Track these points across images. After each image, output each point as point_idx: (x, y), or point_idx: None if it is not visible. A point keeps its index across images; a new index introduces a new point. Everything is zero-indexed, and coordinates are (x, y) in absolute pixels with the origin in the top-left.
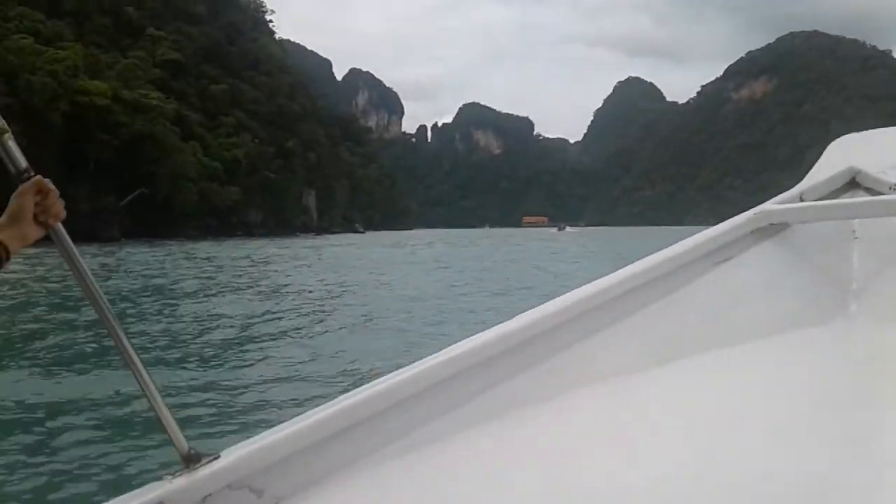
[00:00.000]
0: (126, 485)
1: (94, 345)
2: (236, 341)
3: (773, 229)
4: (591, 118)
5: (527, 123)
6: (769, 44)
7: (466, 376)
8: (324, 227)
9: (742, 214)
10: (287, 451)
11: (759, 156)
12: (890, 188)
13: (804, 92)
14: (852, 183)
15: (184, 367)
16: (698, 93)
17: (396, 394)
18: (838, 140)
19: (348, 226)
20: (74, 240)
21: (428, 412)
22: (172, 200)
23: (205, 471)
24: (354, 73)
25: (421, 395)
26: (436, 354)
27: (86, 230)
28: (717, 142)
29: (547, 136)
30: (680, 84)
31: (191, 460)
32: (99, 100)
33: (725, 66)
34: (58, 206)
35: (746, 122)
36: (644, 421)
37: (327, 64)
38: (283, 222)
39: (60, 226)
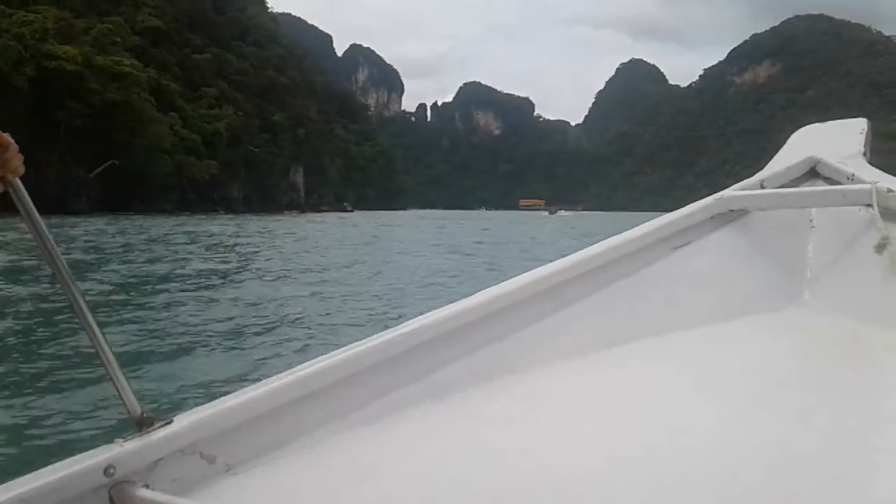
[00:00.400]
0: (76, 448)
1: (48, 305)
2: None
3: (733, 215)
4: (593, 100)
5: (527, 104)
6: (773, 27)
7: (425, 350)
8: (312, 204)
9: (703, 200)
10: (240, 419)
11: (760, 142)
12: (847, 178)
13: (808, 77)
14: (812, 172)
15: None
16: (700, 76)
17: (353, 366)
18: (801, 130)
19: (337, 204)
20: (40, 210)
21: (384, 385)
22: (146, 173)
23: (157, 435)
24: (355, 49)
25: (377, 367)
26: (394, 328)
27: (53, 201)
28: (719, 127)
29: (548, 117)
30: (684, 67)
31: (143, 424)
32: (69, 65)
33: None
34: (16, 161)
35: (749, 106)
36: (602, 398)
37: (328, 39)
38: (267, 198)
39: (19, 182)
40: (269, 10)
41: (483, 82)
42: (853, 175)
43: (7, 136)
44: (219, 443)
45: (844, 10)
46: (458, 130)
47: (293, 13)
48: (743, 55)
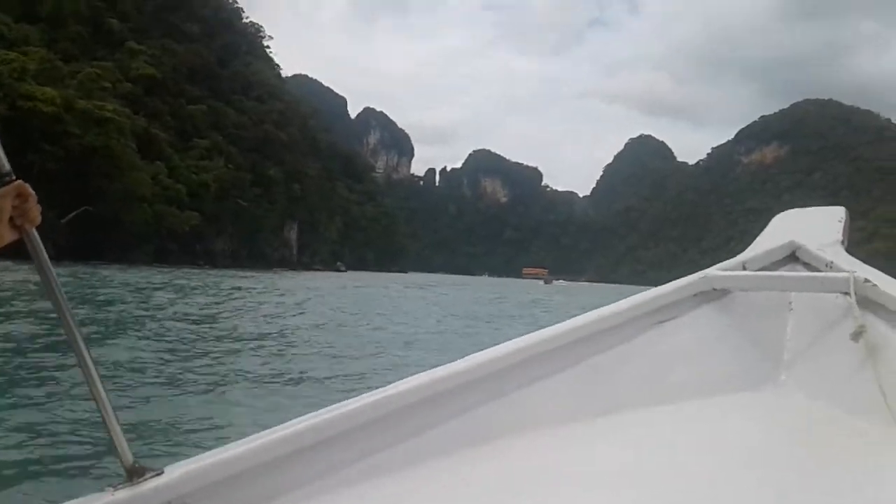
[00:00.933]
0: (67, 496)
1: (51, 354)
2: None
3: (715, 294)
4: (601, 173)
5: (535, 174)
6: (782, 109)
7: (408, 413)
8: (304, 262)
9: (687, 277)
10: (228, 473)
11: (765, 221)
12: (826, 265)
13: (815, 160)
14: (792, 256)
15: None
16: (709, 154)
17: (339, 425)
18: (782, 214)
19: (331, 263)
20: (5, 255)
21: (368, 446)
22: (122, 221)
23: (147, 485)
24: (368, 112)
25: (366, 427)
26: (383, 388)
27: (20, 246)
28: (725, 205)
29: (556, 188)
30: (692, 145)
31: (134, 474)
32: (45, 107)
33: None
34: (34, 212)
35: (756, 186)
36: (579, 469)
37: (342, 101)
38: (256, 254)
39: (35, 231)
40: (276, 68)
41: (493, 150)
42: (832, 263)
43: (28, 187)
44: (209, 495)
45: (854, 96)
46: (465, 196)
47: (309, 74)
48: (751, 135)
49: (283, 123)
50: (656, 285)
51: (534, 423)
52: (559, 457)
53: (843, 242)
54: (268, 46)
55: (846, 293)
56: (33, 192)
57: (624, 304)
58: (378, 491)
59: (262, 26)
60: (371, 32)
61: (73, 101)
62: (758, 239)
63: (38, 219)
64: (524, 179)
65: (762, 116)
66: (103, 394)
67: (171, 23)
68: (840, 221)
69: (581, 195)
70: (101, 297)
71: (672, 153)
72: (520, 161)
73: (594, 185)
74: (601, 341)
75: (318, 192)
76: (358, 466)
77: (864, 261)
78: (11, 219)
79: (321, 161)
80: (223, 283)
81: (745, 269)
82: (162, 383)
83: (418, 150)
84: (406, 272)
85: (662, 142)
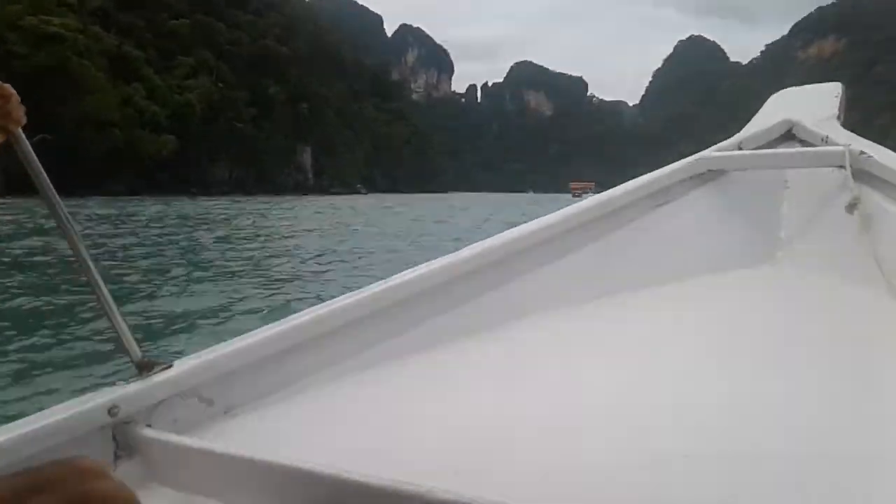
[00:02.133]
0: (80, 390)
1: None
2: None
3: (711, 175)
4: (650, 79)
5: (581, 84)
6: (838, 0)
7: (417, 301)
8: (322, 186)
9: (683, 160)
10: (237, 365)
11: None
12: (822, 140)
13: (877, 51)
14: (788, 134)
15: None
16: (762, 52)
17: (348, 315)
18: (778, 93)
19: (351, 186)
20: None
21: (379, 334)
22: (87, 149)
23: (157, 378)
24: (404, 30)
25: (373, 317)
26: (388, 279)
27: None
28: None
29: (604, 98)
30: (746, 43)
31: (143, 368)
32: None
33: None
34: (18, 112)
35: (814, 82)
36: (590, 346)
37: (377, 19)
38: (265, 180)
39: (20, 131)
40: None
41: (536, 62)
42: (827, 137)
43: (8, 87)
44: (217, 386)
45: None
46: (508, 111)
47: None
48: (807, 29)
49: (287, 38)
50: None
51: (544, 306)
52: (570, 336)
53: (839, 117)
54: None
55: (841, 166)
56: (14, 92)
57: (625, 187)
58: (391, 374)
59: None
60: None
61: (20, 16)
62: (754, 118)
63: (23, 118)
64: (569, 90)
65: (818, 8)
66: (106, 293)
67: None
68: (836, 97)
69: (631, 104)
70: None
71: (724, 53)
72: (564, 72)
73: (643, 93)
74: (604, 225)
75: (335, 111)
76: (367, 354)
77: None
78: None
79: (346, 80)
80: (187, 210)
81: (741, 148)
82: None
83: (462, 67)
84: (445, 192)
85: (714, 42)
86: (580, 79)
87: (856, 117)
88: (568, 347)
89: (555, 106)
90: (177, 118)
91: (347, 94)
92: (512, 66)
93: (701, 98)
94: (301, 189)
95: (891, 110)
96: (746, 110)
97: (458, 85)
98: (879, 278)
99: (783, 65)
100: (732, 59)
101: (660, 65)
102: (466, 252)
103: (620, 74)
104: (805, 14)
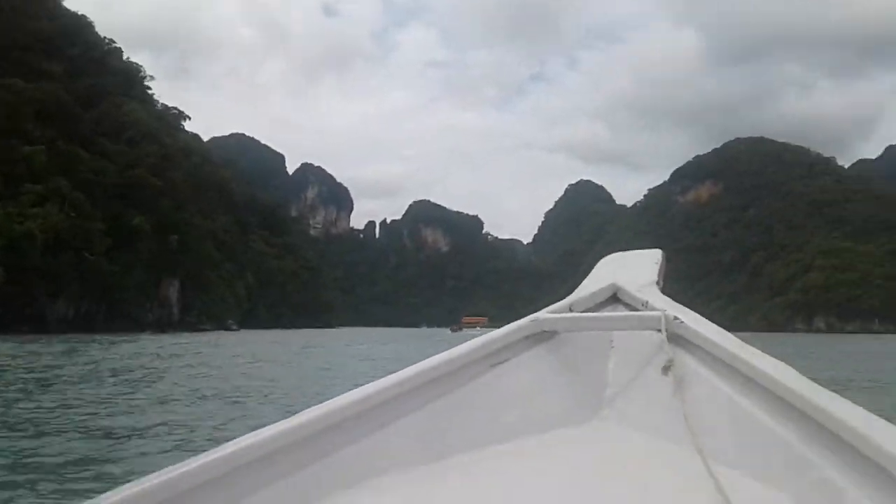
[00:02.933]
0: None
1: None
2: None
3: (545, 336)
4: (542, 219)
5: (476, 222)
6: (715, 149)
7: (244, 471)
8: (189, 322)
9: (519, 321)
10: None
11: (703, 260)
12: (642, 304)
13: (749, 196)
14: (614, 297)
15: None
16: (645, 195)
17: (173, 488)
18: (606, 258)
19: (222, 322)
20: None
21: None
22: None
23: None
24: (305, 168)
25: (200, 488)
26: (215, 449)
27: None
28: (663, 244)
29: (498, 236)
30: (631, 188)
31: None
32: None
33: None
34: None
35: (692, 225)
36: None
37: (280, 158)
38: (120, 315)
39: None
40: (158, 105)
41: (434, 201)
42: (647, 302)
43: None
44: None
45: (783, 136)
46: (406, 247)
47: (247, 133)
48: (686, 175)
49: (164, 169)
50: None
51: (375, 473)
52: (402, 500)
53: (658, 283)
54: (149, 87)
55: (658, 330)
56: None
57: (463, 348)
58: None
59: (141, 66)
60: (315, 91)
61: None
62: (584, 282)
63: None
64: (466, 228)
65: (696, 156)
66: None
67: (27, 61)
68: (656, 264)
69: (525, 242)
70: None
71: (611, 196)
72: (461, 210)
73: (535, 232)
74: (440, 387)
75: (217, 244)
76: None
77: (738, 294)
78: None
79: (235, 213)
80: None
81: (571, 310)
82: None
83: (361, 205)
84: (333, 327)
85: (601, 186)
86: (476, 217)
87: (731, 257)
88: None
89: (452, 242)
90: (13, 249)
91: (234, 227)
92: (411, 204)
93: (590, 237)
94: (163, 325)
95: (763, 249)
96: (632, 247)
97: (358, 221)
98: (688, 438)
99: (664, 208)
100: (618, 201)
101: (551, 206)
102: (300, 417)
103: (514, 214)
104: (685, 161)
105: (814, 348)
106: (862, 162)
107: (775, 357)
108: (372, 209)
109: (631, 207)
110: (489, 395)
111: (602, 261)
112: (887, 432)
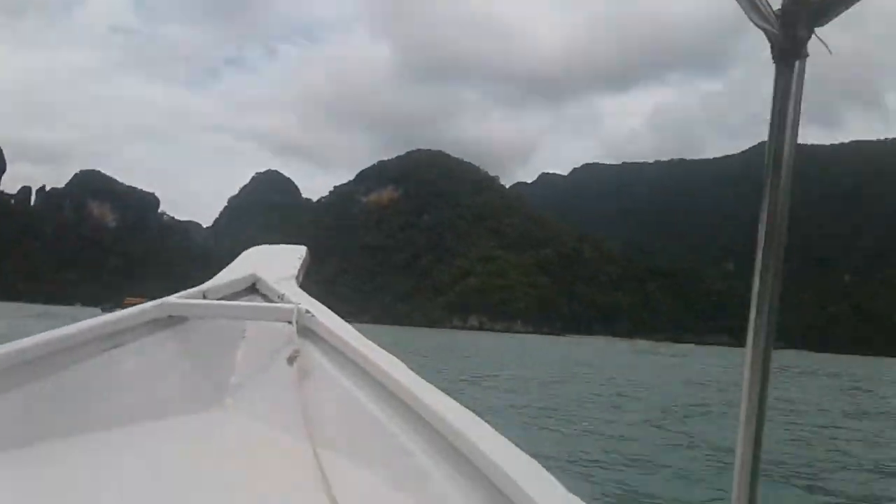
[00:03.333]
0: None
1: None
2: None
3: (172, 321)
4: (226, 204)
5: (153, 199)
6: (399, 156)
7: None
8: None
9: (143, 304)
10: None
11: (378, 258)
12: (279, 297)
13: (425, 204)
14: (252, 288)
15: None
16: (331, 192)
17: None
18: (251, 249)
19: None
20: None
21: None
22: None
23: None
24: None
25: None
26: None
27: None
28: (344, 240)
29: (175, 216)
30: (319, 183)
31: None
32: None
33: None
34: None
35: (371, 224)
36: (16, 498)
37: None
38: None
39: None
40: None
41: (105, 172)
42: (283, 295)
43: None
44: None
45: (460, 154)
46: (67, 219)
47: None
48: (370, 177)
49: None
50: None
51: None
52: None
53: (297, 277)
54: None
55: (290, 322)
56: None
57: (73, 328)
58: None
59: None
60: None
61: None
62: (224, 270)
63: None
64: (139, 205)
65: (380, 161)
66: None
67: None
68: (299, 259)
69: (204, 225)
70: None
71: (297, 189)
72: (136, 186)
73: (217, 216)
74: (44, 366)
75: None
76: None
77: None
78: None
79: None
80: None
81: (205, 297)
82: None
83: (20, 169)
84: None
85: (288, 178)
86: (153, 195)
87: (403, 258)
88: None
89: (121, 218)
90: None
91: None
92: (76, 173)
93: (272, 226)
94: None
95: (433, 253)
96: (314, 241)
97: (12, 187)
98: (303, 427)
99: (349, 206)
100: (305, 195)
101: (236, 192)
102: None
103: (196, 196)
104: (371, 164)
105: (468, 345)
106: (520, 184)
107: (407, 352)
108: (32, 174)
109: (317, 202)
110: (102, 379)
111: (246, 252)
112: (474, 424)
